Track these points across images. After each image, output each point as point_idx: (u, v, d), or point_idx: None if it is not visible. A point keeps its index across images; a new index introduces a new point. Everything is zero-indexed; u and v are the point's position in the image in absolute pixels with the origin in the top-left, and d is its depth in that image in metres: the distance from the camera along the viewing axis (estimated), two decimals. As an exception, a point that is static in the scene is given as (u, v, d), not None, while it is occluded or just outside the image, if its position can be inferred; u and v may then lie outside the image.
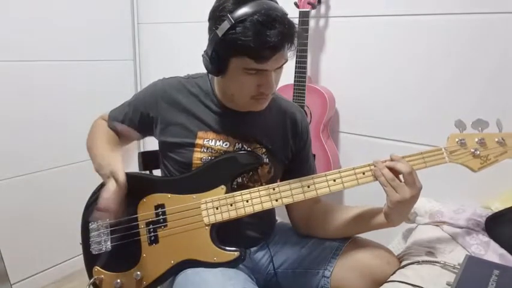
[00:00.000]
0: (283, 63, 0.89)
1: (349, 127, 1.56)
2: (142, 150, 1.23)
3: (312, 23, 1.51)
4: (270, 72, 0.87)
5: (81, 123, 1.89)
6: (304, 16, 1.42)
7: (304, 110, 1.45)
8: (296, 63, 1.43)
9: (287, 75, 1.46)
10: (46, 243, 1.82)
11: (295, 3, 1.42)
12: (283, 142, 1.05)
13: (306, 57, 1.42)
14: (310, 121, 1.48)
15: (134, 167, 1.11)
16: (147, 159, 1.20)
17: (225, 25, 0.81)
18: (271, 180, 1.03)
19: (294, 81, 1.45)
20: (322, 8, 1.52)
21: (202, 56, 0.91)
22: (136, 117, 1.05)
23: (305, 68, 1.43)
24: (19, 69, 1.65)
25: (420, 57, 1.35)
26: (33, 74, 1.70)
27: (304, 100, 1.45)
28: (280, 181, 1.07)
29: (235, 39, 0.80)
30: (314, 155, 1.48)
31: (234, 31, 0.81)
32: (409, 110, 1.40)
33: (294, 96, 1.46)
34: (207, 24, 0.89)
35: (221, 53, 0.85)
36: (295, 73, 1.44)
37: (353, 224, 1.00)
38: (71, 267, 1.91)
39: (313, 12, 1.46)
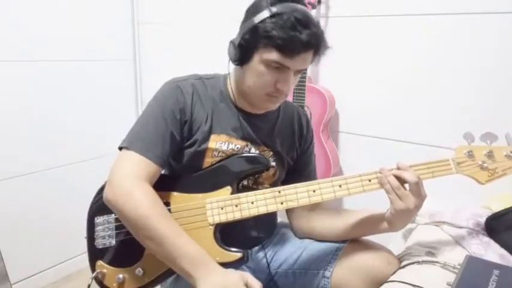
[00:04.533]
0: (304, 69, 0.91)
1: (349, 127, 1.56)
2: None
3: (312, 23, 1.51)
4: (290, 71, 0.89)
5: (81, 123, 1.90)
6: (304, 16, 1.41)
7: (304, 110, 1.45)
8: (296, 63, 1.43)
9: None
10: (46, 243, 1.82)
11: (296, 4, 1.42)
12: (290, 145, 1.06)
13: (306, 57, 1.42)
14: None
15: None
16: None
17: (264, 14, 0.85)
18: (275, 182, 1.04)
19: (294, 81, 1.45)
20: (322, 8, 1.52)
21: (230, 43, 0.93)
22: (175, 134, 0.93)
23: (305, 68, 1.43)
24: (19, 69, 1.65)
25: (420, 58, 1.35)
26: (33, 74, 1.69)
27: (304, 100, 1.45)
28: (282, 182, 1.07)
29: (270, 28, 0.84)
30: (314, 155, 1.48)
31: (271, 20, 0.84)
32: (409, 109, 1.40)
33: (294, 96, 1.46)
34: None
35: (250, 41, 0.88)
36: (295, 73, 1.44)
37: (354, 228, 1.00)
38: (71, 268, 1.91)
39: (313, 12, 1.46)
